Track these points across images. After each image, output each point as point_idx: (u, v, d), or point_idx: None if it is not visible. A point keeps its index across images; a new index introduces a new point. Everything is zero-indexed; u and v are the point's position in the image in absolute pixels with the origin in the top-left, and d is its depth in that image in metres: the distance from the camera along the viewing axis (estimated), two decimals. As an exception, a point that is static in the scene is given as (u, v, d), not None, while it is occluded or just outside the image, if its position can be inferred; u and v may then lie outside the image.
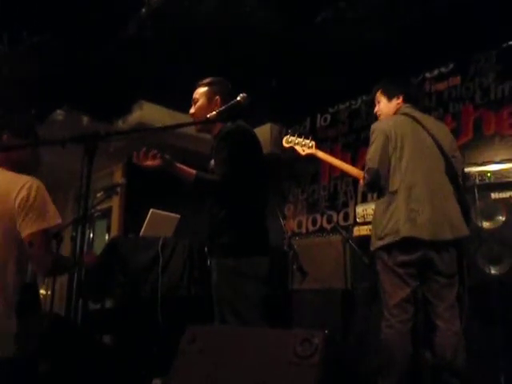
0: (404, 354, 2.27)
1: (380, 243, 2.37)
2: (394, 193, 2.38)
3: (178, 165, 2.15)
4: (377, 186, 2.47)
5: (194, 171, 2.16)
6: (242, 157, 2.19)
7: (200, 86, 2.43)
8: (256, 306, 2.12)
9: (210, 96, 2.38)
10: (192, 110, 2.42)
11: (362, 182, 2.61)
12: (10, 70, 3.94)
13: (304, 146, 2.92)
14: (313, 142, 2.92)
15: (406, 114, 2.55)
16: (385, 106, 2.68)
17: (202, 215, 2.29)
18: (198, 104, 2.40)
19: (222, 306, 2.17)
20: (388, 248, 2.34)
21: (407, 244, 2.29)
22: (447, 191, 2.42)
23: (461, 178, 2.52)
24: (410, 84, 2.69)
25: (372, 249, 2.45)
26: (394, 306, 2.32)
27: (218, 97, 2.36)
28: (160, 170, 2.10)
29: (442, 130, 2.58)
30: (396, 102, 2.64)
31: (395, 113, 2.63)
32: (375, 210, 2.51)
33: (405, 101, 2.63)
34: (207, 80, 2.42)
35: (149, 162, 2.08)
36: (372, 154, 2.46)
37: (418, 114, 2.57)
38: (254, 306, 2.11)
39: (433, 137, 2.47)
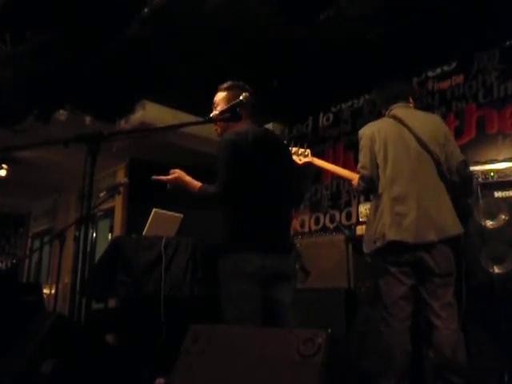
0: (403, 352, 2.28)
1: (373, 246, 2.43)
2: (380, 196, 2.44)
3: (187, 179, 2.22)
4: (373, 191, 2.53)
5: (198, 185, 2.20)
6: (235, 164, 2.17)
7: (220, 90, 2.41)
8: (236, 306, 2.05)
9: (230, 101, 2.33)
10: (213, 115, 2.38)
11: (353, 182, 2.64)
12: (12, 70, 3.94)
13: (300, 155, 2.92)
14: (308, 150, 2.93)
15: (392, 116, 2.58)
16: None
17: (205, 215, 2.29)
18: (219, 109, 2.37)
19: None
20: (379, 251, 2.40)
21: (395, 247, 2.34)
22: (436, 191, 2.43)
23: (459, 170, 2.48)
24: (393, 88, 2.70)
25: (366, 251, 2.50)
26: (391, 305, 2.35)
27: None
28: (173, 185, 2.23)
29: (429, 127, 2.56)
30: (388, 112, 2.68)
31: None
32: (369, 213, 2.58)
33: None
34: (227, 84, 2.41)
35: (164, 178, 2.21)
36: (363, 160, 2.53)
37: (405, 114, 2.57)
38: (235, 305, 2.05)
39: (418, 138, 2.47)
